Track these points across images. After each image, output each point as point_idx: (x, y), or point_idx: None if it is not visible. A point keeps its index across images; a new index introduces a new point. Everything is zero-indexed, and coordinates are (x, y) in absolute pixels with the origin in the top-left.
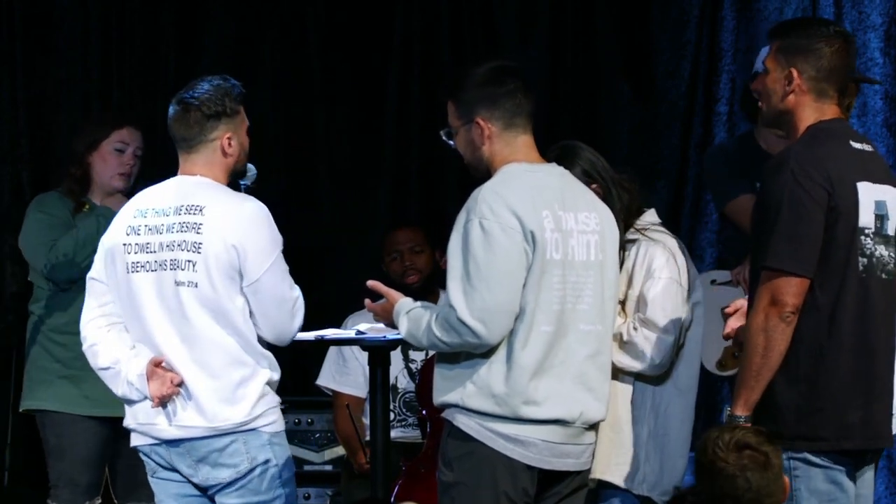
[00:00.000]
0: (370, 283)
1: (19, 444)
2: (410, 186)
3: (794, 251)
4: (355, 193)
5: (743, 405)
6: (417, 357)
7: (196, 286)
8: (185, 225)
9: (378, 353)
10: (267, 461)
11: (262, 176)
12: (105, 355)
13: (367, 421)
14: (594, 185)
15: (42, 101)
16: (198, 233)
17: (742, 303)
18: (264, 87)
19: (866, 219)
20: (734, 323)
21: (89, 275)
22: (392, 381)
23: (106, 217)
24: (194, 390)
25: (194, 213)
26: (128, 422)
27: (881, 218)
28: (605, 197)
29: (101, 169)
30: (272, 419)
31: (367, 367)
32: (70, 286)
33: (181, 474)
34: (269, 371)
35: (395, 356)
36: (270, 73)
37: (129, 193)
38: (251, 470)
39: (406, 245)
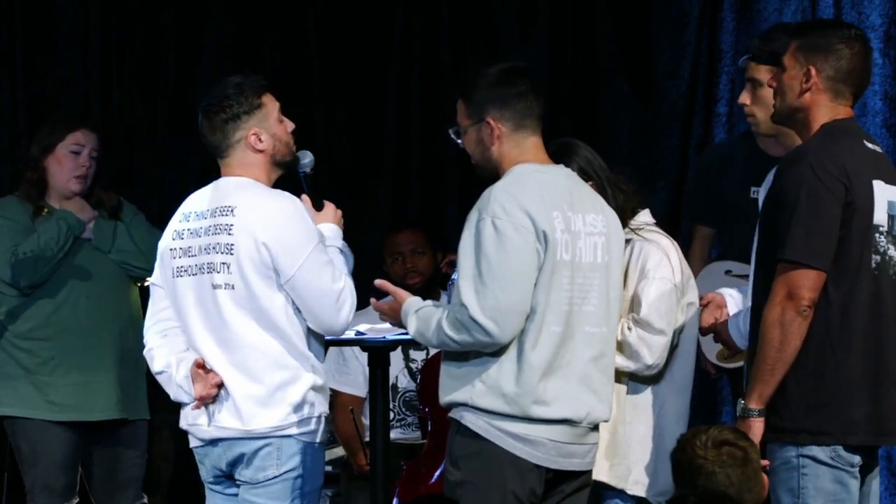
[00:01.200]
0: (378, 282)
1: None
2: (410, 187)
3: (811, 244)
4: (355, 193)
5: (757, 398)
6: (418, 357)
7: (233, 288)
8: (218, 227)
9: (378, 353)
10: (294, 469)
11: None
12: (159, 360)
13: (366, 421)
14: (590, 183)
15: (42, 101)
16: (229, 234)
17: (712, 296)
18: None
19: (880, 217)
20: (709, 318)
21: (150, 279)
22: (392, 380)
23: (66, 220)
24: (233, 393)
25: (226, 215)
26: (182, 424)
27: (893, 218)
28: (599, 195)
29: (57, 172)
30: (311, 428)
31: (367, 367)
32: (31, 291)
33: (229, 482)
34: (313, 375)
35: (396, 355)
36: (270, 73)
37: (86, 196)
38: (278, 475)
39: (408, 247)
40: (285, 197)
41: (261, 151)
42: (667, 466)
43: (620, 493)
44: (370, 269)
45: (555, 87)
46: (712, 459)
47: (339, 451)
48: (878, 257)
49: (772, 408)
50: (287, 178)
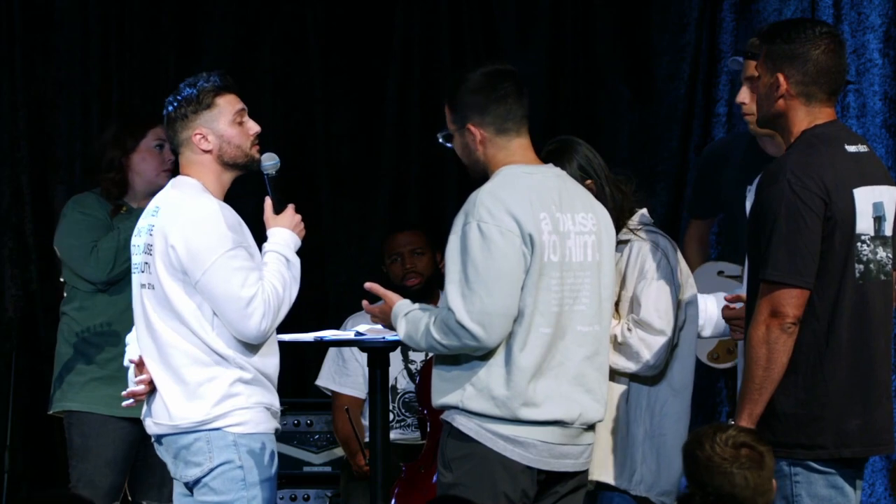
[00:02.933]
0: (368, 285)
1: (19, 446)
2: (410, 188)
3: (793, 263)
4: (355, 195)
5: (747, 418)
6: (417, 358)
7: (152, 288)
8: (148, 227)
9: (377, 354)
10: (229, 462)
11: (262, 177)
12: (127, 356)
13: (366, 422)
14: (588, 182)
15: (42, 103)
16: (150, 235)
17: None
18: (264, 90)
19: (864, 225)
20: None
21: None
22: (392, 381)
23: None
24: (162, 389)
25: (153, 216)
26: None
27: (879, 220)
28: (598, 194)
29: (145, 169)
30: (241, 420)
31: (366, 368)
32: (108, 287)
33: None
34: (240, 371)
35: (395, 357)
36: (270, 75)
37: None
38: (213, 469)
39: (407, 248)
40: (203, 200)
41: (207, 152)
42: (669, 466)
43: (623, 494)
44: (370, 271)
45: (555, 89)
46: (730, 459)
47: (338, 452)
48: (862, 266)
49: (764, 423)
50: (252, 180)
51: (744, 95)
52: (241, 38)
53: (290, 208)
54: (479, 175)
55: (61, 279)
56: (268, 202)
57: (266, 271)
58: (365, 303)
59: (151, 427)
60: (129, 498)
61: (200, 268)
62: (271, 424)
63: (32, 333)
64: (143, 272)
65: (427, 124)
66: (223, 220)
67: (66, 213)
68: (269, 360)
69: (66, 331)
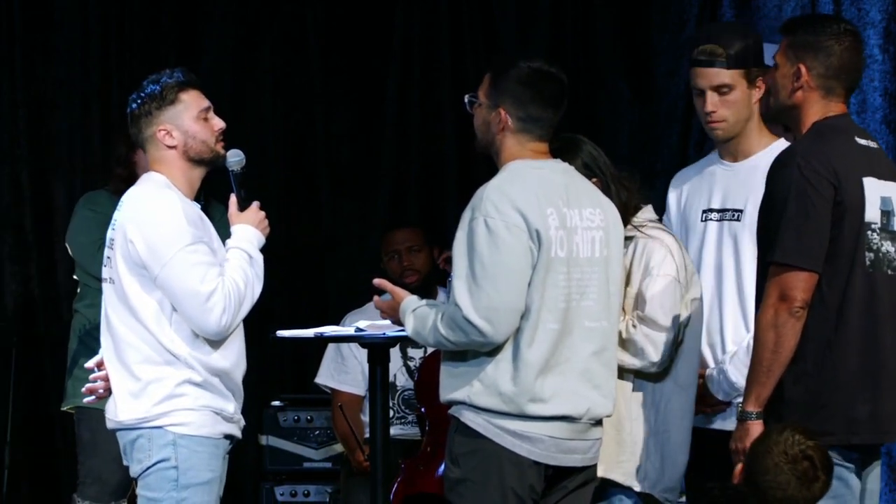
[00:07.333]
0: (377, 281)
1: (19, 443)
2: (409, 187)
3: (801, 246)
4: (355, 194)
5: (755, 401)
6: (416, 355)
7: (113, 283)
8: (113, 221)
9: (377, 350)
10: (165, 460)
11: (263, 177)
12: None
13: (366, 419)
14: (594, 180)
15: (42, 103)
16: (113, 229)
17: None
18: (264, 89)
19: (872, 214)
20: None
21: None
22: (391, 378)
23: None
24: (114, 385)
25: (119, 210)
26: None
27: (887, 214)
28: (603, 192)
29: (145, 163)
30: (184, 420)
31: (365, 365)
32: None
33: None
34: (191, 371)
35: (394, 353)
36: (270, 75)
37: None
38: (150, 466)
39: (404, 245)
40: (163, 195)
41: (172, 147)
42: (673, 463)
43: (627, 490)
44: (369, 269)
45: None
46: (791, 458)
47: (338, 449)
48: (872, 254)
49: (770, 409)
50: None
51: (714, 104)
52: (241, 38)
53: (255, 205)
54: (483, 151)
55: (74, 276)
56: (232, 199)
57: (228, 267)
58: (376, 297)
59: (107, 422)
60: None
61: (159, 262)
62: (218, 429)
63: (32, 330)
64: (106, 266)
65: (427, 124)
66: (182, 215)
67: (77, 210)
68: (230, 360)
69: (77, 328)
